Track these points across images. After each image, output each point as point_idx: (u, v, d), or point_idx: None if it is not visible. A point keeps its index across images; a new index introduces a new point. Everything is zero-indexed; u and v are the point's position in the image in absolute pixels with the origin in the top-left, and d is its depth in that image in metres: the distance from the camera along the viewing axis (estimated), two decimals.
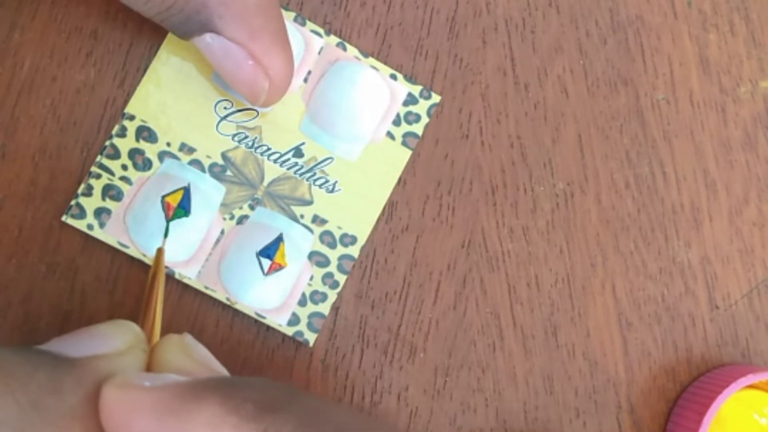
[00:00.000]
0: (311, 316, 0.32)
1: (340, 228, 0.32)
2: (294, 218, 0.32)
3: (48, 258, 0.31)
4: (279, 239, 0.32)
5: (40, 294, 0.31)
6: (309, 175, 0.32)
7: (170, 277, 0.31)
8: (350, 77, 0.32)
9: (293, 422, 0.20)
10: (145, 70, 0.32)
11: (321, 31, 0.33)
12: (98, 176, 0.31)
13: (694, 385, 0.32)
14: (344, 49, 0.33)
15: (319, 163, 0.32)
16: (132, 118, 0.31)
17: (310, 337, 0.32)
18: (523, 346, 0.33)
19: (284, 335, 0.32)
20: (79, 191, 0.31)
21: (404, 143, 0.33)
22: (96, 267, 0.31)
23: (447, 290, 0.33)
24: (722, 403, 0.30)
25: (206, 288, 0.31)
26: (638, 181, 0.34)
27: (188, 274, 0.31)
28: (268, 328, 0.32)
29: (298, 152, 0.32)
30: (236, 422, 0.19)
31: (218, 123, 0.32)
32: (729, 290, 0.34)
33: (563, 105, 0.34)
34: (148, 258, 0.31)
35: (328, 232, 0.32)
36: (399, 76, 0.33)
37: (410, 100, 0.33)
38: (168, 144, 0.31)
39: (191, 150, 0.32)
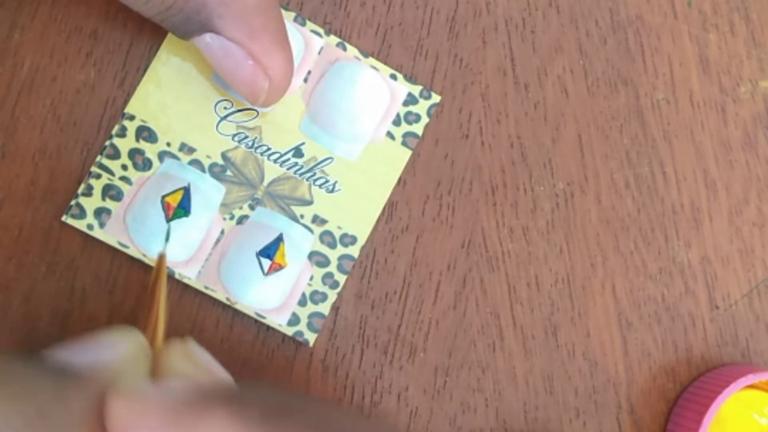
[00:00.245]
0: (311, 316, 0.32)
1: (340, 228, 0.32)
2: (294, 218, 0.32)
3: (48, 258, 0.31)
4: (279, 239, 0.32)
5: (40, 294, 0.31)
6: (309, 175, 0.32)
7: (170, 277, 0.31)
8: (350, 77, 0.32)
9: (298, 427, 0.20)
10: (145, 70, 0.32)
11: (321, 31, 0.33)
12: (98, 176, 0.31)
13: (694, 385, 0.32)
14: (344, 49, 0.33)
15: (319, 163, 0.32)
16: (132, 118, 0.31)
17: (310, 337, 0.32)
18: (523, 346, 0.33)
19: (284, 335, 0.32)
20: (79, 191, 0.31)
21: (404, 143, 0.33)
22: (96, 267, 0.31)
23: (447, 290, 0.33)
24: (722, 403, 0.30)
25: (206, 288, 0.31)
26: (638, 181, 0.34)
27: (188, 274, 0.31)
28: (268, 328, 0.32)
29: (298, 152, 0.32)
30: (242, 427, 0.19)
31: (218, 123, 0.32)
32: (729, 290, 0.34)
33: (563, 105, 0.34)
34: (148, 258, 0.31)
35: (328, 232, 0.32)
36: (399, 76, 0.33)
37: (410, 100, 0.33)
38: (168, 144, 0.31)
39: (191, 150, 0.32)
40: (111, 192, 0.31)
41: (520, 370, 0.32)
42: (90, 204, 0.31)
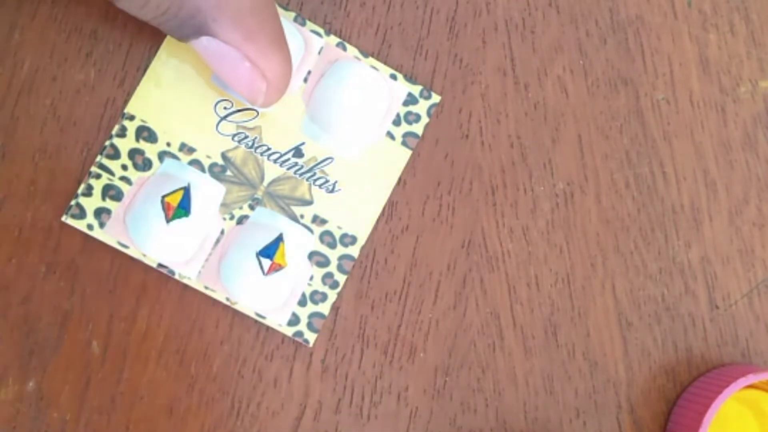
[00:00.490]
0: (311, 316, 0.32)
1: (340, 228, 0.32)
2: (294, 218, 0.32)
3: (48, 258, 0.31)
4: (279, 239, 0.32)
5: (40, 294, 0.31)
6: (309, 175, 0.32)
7: (170, 277, 0.31)
8: (350, 77, 0.32)
9: None
10: (145, 70, 0.32)
11: (321, 31, 0.33)
12: (98, 176, 0.31)
13: (694, 385, 0.32)
14: (344, 49, 0.33)
15: (319, 163, 0.32)
16: (132, 118, 0.31)
17: (310, 337, 0.32)
18: (523, 346, 0.33)
19: (284, 335, 0.32)
20: (79, 191, 0.31)
21: (404, 143, 0.33)
22: (96, 267, 0.31)
23: (447, 290, 0.33)
24: (722, 403, 0.30)
25: (206, 288, 0.31)
26: (638, 181, 0.34)
27: (188, 274, 0.31)
28: (268, 328, 0.32)
29: (298, 152, 0.32)
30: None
31: (218, 123, 0.32)
32: (729, 290, 0.34)
33: (563, 105, 0.34)
34: (148, 258, 0.31)
35: (328, 232, 0.32)
36: (399, 76, 0.33)
37: (410, 100, 0.33)
38: (168, 144, 0.31)
39: (191, 150, 0.32)
40: (111, 192, 0.31)
41: (520, 370, 0.32)
42: (90, 204, 0.31)
